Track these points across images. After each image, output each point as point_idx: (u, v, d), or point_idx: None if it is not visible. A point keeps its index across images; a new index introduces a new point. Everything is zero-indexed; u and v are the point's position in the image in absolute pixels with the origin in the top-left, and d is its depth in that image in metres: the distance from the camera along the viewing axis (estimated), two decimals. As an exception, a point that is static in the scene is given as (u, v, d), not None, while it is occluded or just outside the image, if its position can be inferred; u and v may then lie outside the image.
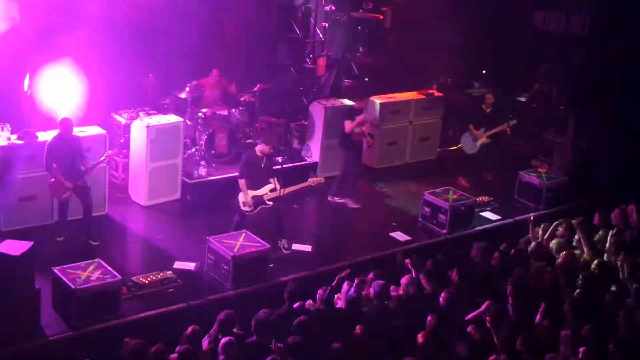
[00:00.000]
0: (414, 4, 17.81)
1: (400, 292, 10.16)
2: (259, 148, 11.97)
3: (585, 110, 15.83)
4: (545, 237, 11.91)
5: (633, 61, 15.13)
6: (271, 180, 12.00)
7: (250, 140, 15.08)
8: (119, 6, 14.21)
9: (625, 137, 15.06)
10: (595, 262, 10.86)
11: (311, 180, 12.38)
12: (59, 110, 12.98)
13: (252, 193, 11.86)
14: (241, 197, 11.92)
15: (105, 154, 11.96)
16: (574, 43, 17.29)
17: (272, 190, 11.93)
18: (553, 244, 11.64)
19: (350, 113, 13.99)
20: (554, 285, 10.39)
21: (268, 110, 15.88)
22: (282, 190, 11.97)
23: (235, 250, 11.05)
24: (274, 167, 12.25)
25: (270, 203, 11.96)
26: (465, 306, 9.79)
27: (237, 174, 12.20)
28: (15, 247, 9.80)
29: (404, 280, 10.33)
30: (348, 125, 13.72)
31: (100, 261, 10.42)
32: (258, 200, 11.90)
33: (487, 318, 9.27)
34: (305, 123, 15.58)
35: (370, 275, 10.46)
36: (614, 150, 15.20)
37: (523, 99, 17.56)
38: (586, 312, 9.64)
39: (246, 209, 11.91)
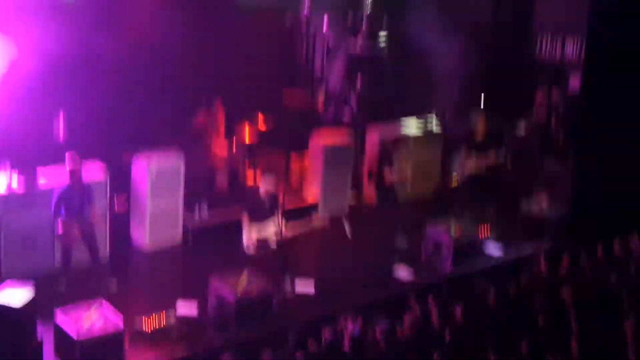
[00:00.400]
0: (411, 34, 17.80)
1: (406, 331, 10.10)
2: (263, 187, 11.95)
3: (585, 139, 15.75)
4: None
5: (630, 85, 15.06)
6: (276, 218, 11.94)
7: (252, 184, 15.04)
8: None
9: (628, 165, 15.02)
10: None
11: (315, 221, 12.34)
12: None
13: (255, 232, 11.82)
14: (244, 236, 11.88)
15: (115, 203, 12.02)
16: (569, 70, 17.31)
17: (276, 230, 11.89)
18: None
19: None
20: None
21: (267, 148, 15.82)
22: (285, 229, 11.92)
23: (239, 290, 10.99)
24: (278, 207, 12.19)
25: (274, 242, 11.92)
26: (471, 343, 9.73)
27: (240, 215, 12.17)
28: (16, 296, 9.74)
29: (408, 318, 10.27)
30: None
31: (103, 304, 10.35)
32: (262, 239, 11.85)
33: None
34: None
35: (374, 316, 10.40)
36: (616, 179, 15.14)
37: (521, 129, 17.48)
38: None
39: (249, 247, 11.86)
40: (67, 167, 11.52)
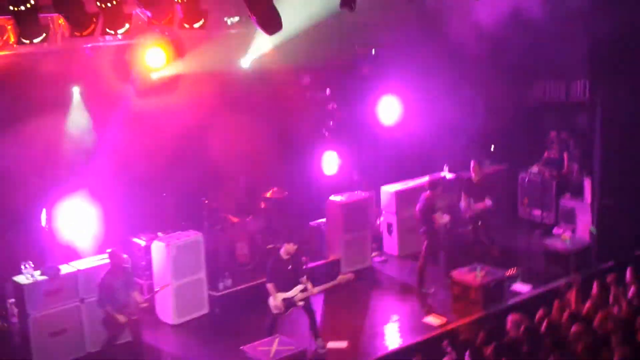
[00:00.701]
0: (415, 93, 17.99)
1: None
2: (284, 249, 11.97)
3: (600, 171, 15.81)
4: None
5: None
6: (301, 280, 11.94)
7: (271, 246, 15.11)
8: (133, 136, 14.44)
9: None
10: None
11: (341, 278, 12.30)
12: (78, 241, 13.20)
13: (282, 295, 11.80)
14: (271, 301, 11.86)
15: (160, 287, 12.08)
16: (575, 109, 17.48)
17: (302, 291, 11.87)
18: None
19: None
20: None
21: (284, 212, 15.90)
22: (312, 289, 11.91)
23: (272, 356, 10.89)
24: (302, 272, 12.17)
25: (302, 303, 11.88)
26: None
27: (263, 279, 12.17)
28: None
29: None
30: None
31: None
32: (289, 302, 11.83)
33: None
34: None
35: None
36: (633, 207, 15.15)
37: (535, 169, 17.54)
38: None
39: (277, 311, 11.83)
40: (112, 261, 11.58)
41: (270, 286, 11.88)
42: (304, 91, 17.24)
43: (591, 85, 16.32)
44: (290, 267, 11.93)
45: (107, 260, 12.39)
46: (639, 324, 10.62)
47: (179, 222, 14.66)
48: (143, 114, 14.10)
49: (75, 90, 13.64)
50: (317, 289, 12.01)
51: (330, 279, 12.40)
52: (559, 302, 11.94)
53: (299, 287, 11.88)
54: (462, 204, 14.98)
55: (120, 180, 14.37)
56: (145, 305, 11.59)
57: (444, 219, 14.28)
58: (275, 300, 11.81)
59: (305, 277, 11.99)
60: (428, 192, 14.25)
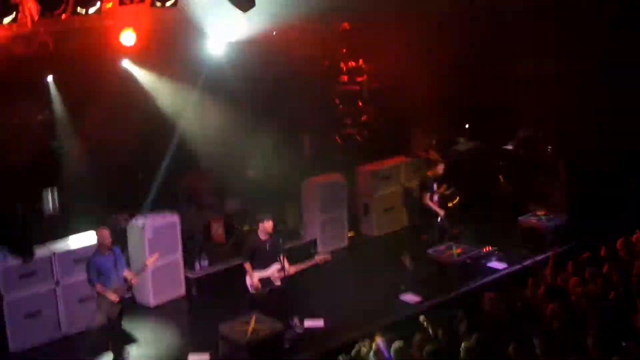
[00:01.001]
0: (388, 69, 17.97)
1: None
2: (262, 228, 11.95)
3: (574, 151, 15.92)
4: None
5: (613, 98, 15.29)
6: (279, 259, 11.94)
7: (248, 227, 15.10)
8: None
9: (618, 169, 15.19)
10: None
11: (318, 258, 12.29)
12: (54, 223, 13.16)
13: (258, 275, 11.80)
14: (248, 280, 11.86)
15: (147, 262, 11.65)
16: (548, 86, 17.54)
17: (279, 270, 11.86)
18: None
19: (424, 185, 14.22)
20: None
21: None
22: (288, 269, 11.90)
23: (249, 334, 10.92)
24: (279, 251, 12.08)
25: (278, 283, 11.88)
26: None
27: (240, 260, 12.16)
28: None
29: (417, 339, 10.20)
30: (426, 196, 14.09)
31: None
32: (265, 281, 11.82)
33: None
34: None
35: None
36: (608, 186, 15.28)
37: (510, 147, 17.62)
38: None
39: (254, 291, 11.83)
40: (100, 240, 11.30)
41: (247, 265, 11.87)
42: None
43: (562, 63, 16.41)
44: (268, 246, 11.91)
45: (87, 242, 12.46)
46: (613, 300, 10.72)
47: (154, 203, 14.66)
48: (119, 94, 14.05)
49: (48, 74, 13.50)
50: (293, 269, 12.01)
51: (307, 259, 12.42)
52: (533, 279, 12.04)
53: (276, 266, 11.87)
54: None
55: (96, 161, 14.37)
56: (136, 282, 11.36)
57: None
58: (252, 279, 11.81)
59: (282, 256, 11.98)
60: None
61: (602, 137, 15.35)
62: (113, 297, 11.01)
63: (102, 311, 11.13)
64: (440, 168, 14.47)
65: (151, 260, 11.54)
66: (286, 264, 11.92)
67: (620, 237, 12.60)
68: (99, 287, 11.02)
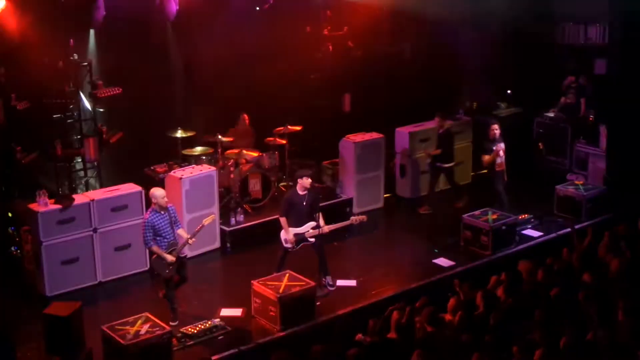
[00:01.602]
0: (432, 34, 17.85)
1: (449, 316, 10.07)
2: (301, 183, 11.96)
3: (615, 119, 15.70)
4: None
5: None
6: (315, 216, 11.95)
7: (284, 184, 15.15)
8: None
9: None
10: None
11: (354, 219, 12.28)
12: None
13: (293, 230, 11.86)
14: (283, 235, 11.94)
15: (204, 221, 11.48)
16: (594, 54, 17.31)
17: (314, 228, 11.90)
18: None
19: (489, 141, 14.27)
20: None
21: (298, 150, 15.92)
22: (324, 227, 11.94)
23: (281, 291, 11.02)
24: (315, 208, 12.07)
25: (312, 240, 11.93)
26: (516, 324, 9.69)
27: (275, 216, 12.21)
28: (63, 309, 9.89)
29: (451, 303, 10.24)
30: (486, 159, 14.22)
31: (149, 315, 10.44)
32: (300, 238, 11.89)
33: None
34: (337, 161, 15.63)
35: (419, 303, 10.35)
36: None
37: (551, 114, 17.44)
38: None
39: (288, 246, 11.91)
40: (155, 200, 11.09)
41: (283, 220, 11.93)
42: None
43: (610, 29, 16.15)
44: (305, 203, 11.93)
45: (120, 191, 12.60)
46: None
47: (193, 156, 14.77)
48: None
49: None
50: (328, 228, 12.04)
51: (343, 219, 12.45)
52: (567, 249, 11.99)
53: (311, 223, 11.91)
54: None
55: (136, 112, 14.50)
56: (193, 241, 11.33)
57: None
58: (287, 234, 11.87)
59: (319, 214, 12.01)
60: None
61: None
62: (169, 258, 11.04)
63: (158, 272, 11.23)
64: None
65: (208, 220, 11.49)
66: (322, 222, 11.95)
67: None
68: (155, 248, 11.03)
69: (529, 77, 17.74)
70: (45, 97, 13.66)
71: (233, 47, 15.39)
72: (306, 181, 11.89)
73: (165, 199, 11.12)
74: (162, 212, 11.10)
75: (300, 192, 11.94)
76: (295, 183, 12.11)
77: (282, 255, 12.02)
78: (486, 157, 14.19)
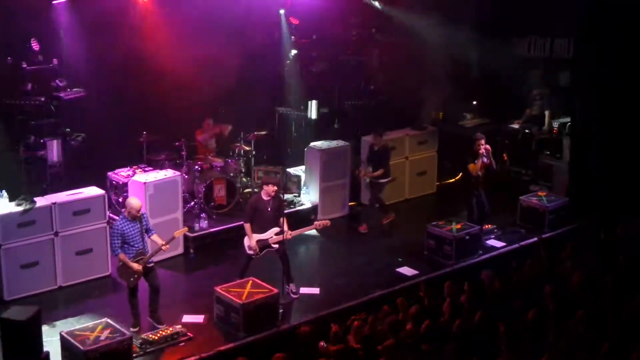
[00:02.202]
0: (399, 43, 17.92)
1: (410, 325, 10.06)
2: (265, 190, 11.92)
3: (579, 131, 15.83)
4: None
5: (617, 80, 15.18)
6: (280, 221, 11.91)
7: (249, 190, 15.09)
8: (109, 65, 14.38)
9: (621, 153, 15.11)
10: None
11: (317, 224, 12.30)
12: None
13: (257, 237, 11.80)
14: (246, 241, 11.87)
15: (175, 233, 11.49)
16: (559, 66, 17.47)
17: (277, 234, 11.85)
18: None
19: (473, 155, 13.95)
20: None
21: (264, 158, 15.89)
22: (287, 233, 11.90)
23: (244, 298, 10.96)
24: (280, 214, 12.05)
25: (276, 246, 11.88)
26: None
27: (239, 222, 12.15)
28: (21, 313, 9.74)
29: (413, 310, 10.25)
30: (472, 167, 13.88)
31: (109, 320, 10.34)
32: (263, 244, 11.83)
33: None
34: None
35: (382, 312, 10.35)
36: (611, 168, 15.22)
37: (516, 125, 17.57)
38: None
39: (251, 252, 11.85)
40: (128, 209, 10.91)
41: (247, 226, 11.88)
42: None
43: (576, 43, 16.32)
44: (269, 209, 11.88)
45: (82, 194, 12.44)
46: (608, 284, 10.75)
47: (156, 160, 14.68)
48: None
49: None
50: (292, 233, 12.01)
51: (306, 225, 12.40)
52: (530, 260, 12.05)
53: (275, 229, 11.86)
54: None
55: (101, 116, 14.39)
56: (167, 247, 11.20)
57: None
58: (250, 240, 11.81)
59: (283, 219, 11.96)
60: None
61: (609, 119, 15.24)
62: (135, 267, 10.90)
63: (123, 280, 11.07)
64: None
65: (179, 233, 11.52)
66: (286, 228, 11.91)
67: (621, 223, 12.67)
68: (121, 256, 10.88)
69: (495, 88, 17.85)
70: (8, 98, 13.50)
71: (200, 52, 15.32)
72: (271, 188, 11.85)
73: (140, 212, 10.98)
74: (134, 222, 10.94)
75: (265, 198, 11.89)
76: (261, 189, 12.06)
77: (245, 262, 11.96)
78: (472, 166, 14.06)
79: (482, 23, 17.28)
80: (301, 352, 9.52)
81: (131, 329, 10.79)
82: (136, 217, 10.94)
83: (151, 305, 11.25)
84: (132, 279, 10.95)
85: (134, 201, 11.04)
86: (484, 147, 13.81)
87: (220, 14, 15.61)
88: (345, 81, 18.19)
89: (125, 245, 10.89)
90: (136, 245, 10.94)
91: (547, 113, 17.29)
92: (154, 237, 11.16)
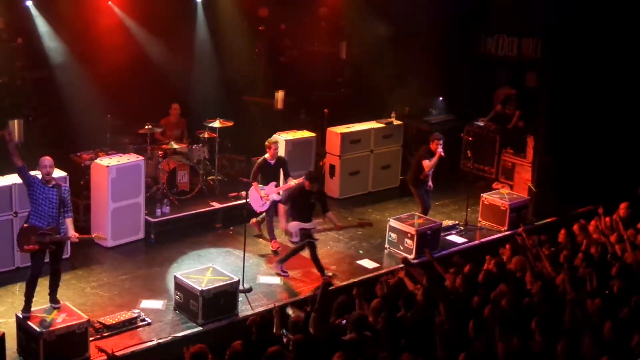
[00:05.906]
0: (368, 36, 17.95)
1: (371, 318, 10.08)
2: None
3: (543, 130, 15.98)
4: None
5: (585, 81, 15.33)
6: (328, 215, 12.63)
7: (212, 177, 15.00)
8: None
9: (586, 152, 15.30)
10: None
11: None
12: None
13: (299, 225, 12.27)
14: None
15: (93, 234, 11.17)
16: (526, 66, 17.60)
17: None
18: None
19: (430, 153, 14.01)
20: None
21: (228, 146, 15.83)
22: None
23: (203, 285, 10.92)
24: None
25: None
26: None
27: (201, 209, 12.14)
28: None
29: (374, 304, 10.26)
30: (427, 164, 13.93)
31: (66, 304, 10.24)
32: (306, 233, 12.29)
33: None
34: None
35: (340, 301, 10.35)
36: (574, 166, 15.40)
37: (481, 123, 17.68)
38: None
39: (294, 239, 12.32)
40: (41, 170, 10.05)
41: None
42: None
43: (544, 43, 16.45)
44: (312, 200, 12.38)
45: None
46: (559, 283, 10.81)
47: (121, 143, 14.58)
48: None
49: None
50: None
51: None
52: (489, 257, 12.11)
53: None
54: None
55: (65, 96, 14.24)
56: (75, 240, 10.41)
57: None
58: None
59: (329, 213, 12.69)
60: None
61: (575, 119, 15.41)
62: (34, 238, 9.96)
63: (19, 248, 10.16)
64: None
65: (98, 236, 11.00)
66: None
67: (578, 221, 12.81)
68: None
69: (462, 85, 17.94)
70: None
71: (168, 38, 15.25)
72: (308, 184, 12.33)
73: (53, 177, 10.03)
74: (49, 186, 10.00)
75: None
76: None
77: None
78: (426, 163, 14.09)
79: (452, 20, 17.36)
80: (255, 341, 9.49)
81: (22, 313, 10.02)
82: (49, 181, 9.99)
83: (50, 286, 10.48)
84: (26, 247, 9.98)
85: (44, 160, 10.02)
86: (440, 149, 13.94)
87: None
88: (313, 72, 18.17)
89: (33, 213, 9.97)
90: (43, 211, 9.91)
91: (516, 113, 17.39)
92: (68, 220, 10.21)
